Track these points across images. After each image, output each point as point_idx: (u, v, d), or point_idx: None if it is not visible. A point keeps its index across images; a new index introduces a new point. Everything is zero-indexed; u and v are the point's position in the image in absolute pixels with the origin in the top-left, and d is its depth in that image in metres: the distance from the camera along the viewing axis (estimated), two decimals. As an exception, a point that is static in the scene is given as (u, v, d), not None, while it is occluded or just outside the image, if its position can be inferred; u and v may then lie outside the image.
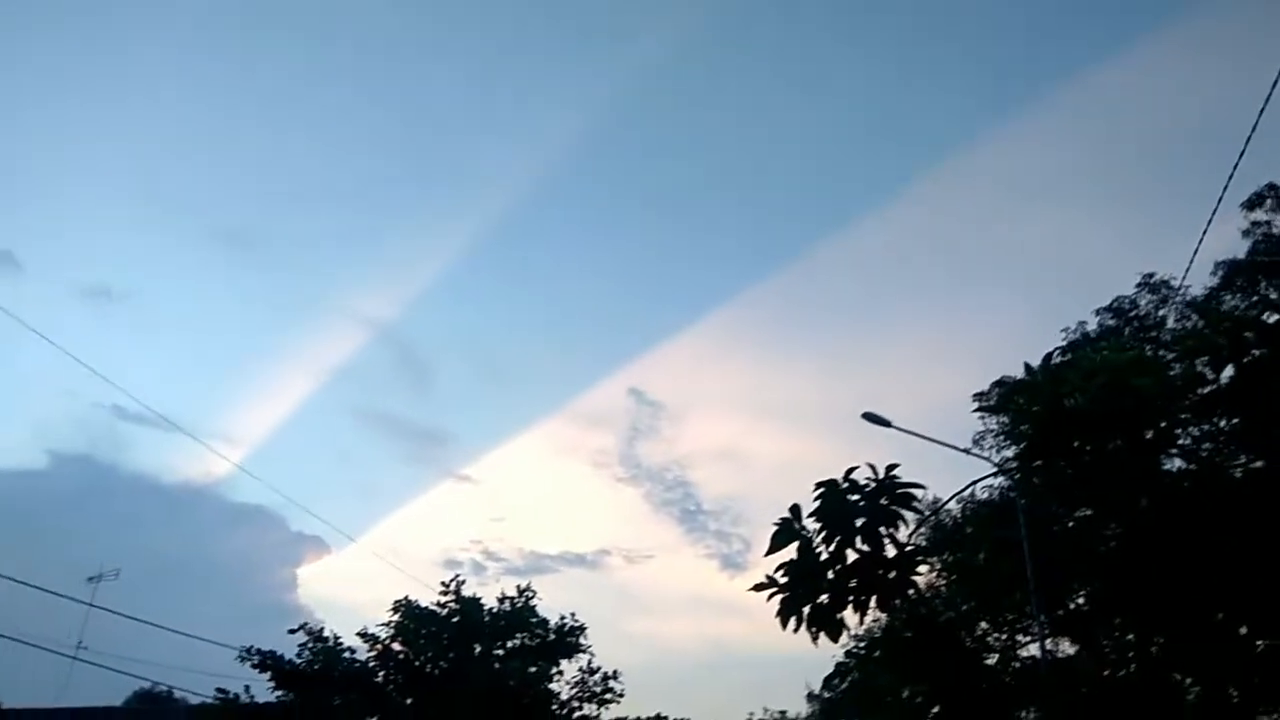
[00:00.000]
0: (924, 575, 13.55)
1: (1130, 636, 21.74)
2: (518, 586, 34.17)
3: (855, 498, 6.91)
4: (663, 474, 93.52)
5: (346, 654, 30.60)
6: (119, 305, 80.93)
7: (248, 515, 78.58)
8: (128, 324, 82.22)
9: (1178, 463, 19.42)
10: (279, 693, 29.10)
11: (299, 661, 29.59)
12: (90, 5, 77.36)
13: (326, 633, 30.75)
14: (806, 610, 7.00)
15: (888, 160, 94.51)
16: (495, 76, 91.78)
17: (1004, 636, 25.95)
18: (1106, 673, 21.55)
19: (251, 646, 28.82)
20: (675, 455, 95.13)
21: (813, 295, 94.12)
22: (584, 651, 33.54)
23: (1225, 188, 11.03)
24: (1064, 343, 24.76)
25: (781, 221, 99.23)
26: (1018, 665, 24.93)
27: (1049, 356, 17.28)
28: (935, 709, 24.17)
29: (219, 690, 28.26)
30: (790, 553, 7.11)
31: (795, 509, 6.93)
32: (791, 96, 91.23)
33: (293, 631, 30.56)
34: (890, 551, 6.90)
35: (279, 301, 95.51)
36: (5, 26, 73.87)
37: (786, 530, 7.06)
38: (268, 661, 28.77)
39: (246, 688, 28.54)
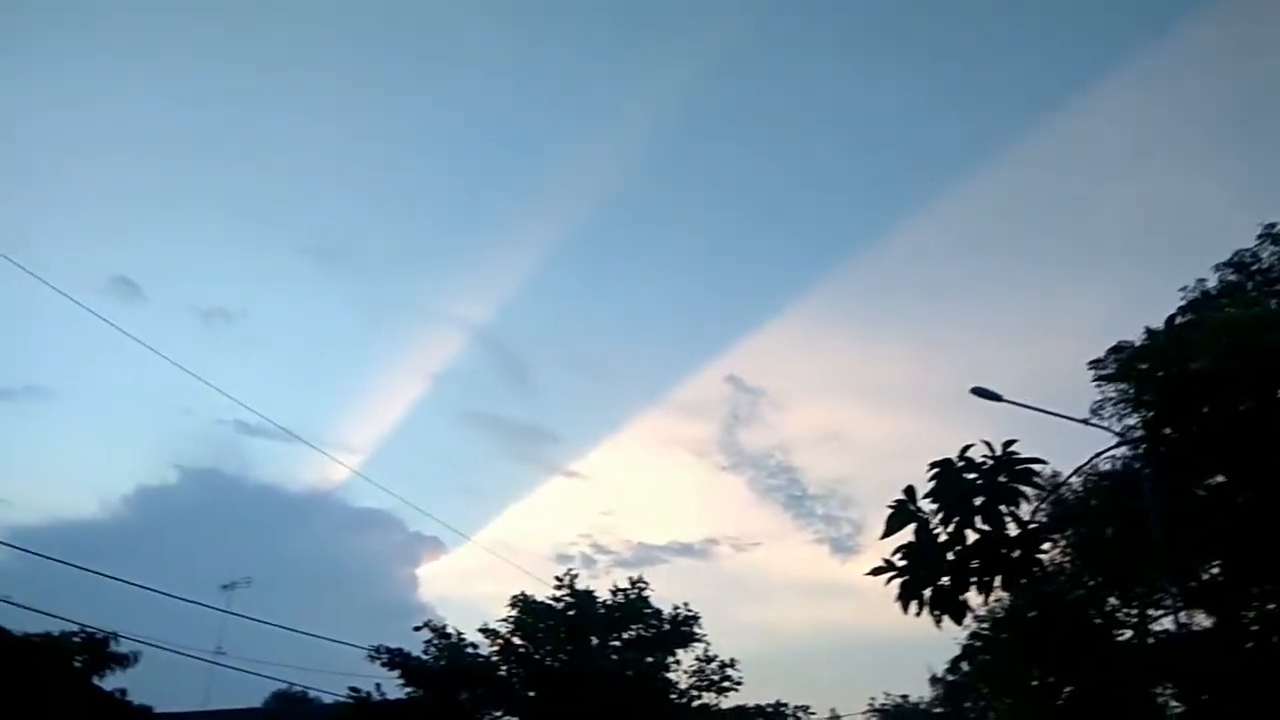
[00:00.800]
0: (1048, 553, 13.14)
1: (1271, 606, 20.73)
2: (630, 578, 34.53)
3: (972, 476, 6.70)
4: (765, 460, 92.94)
5: (470, 650, 31.37)
6: (234, 325, 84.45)
7: (368, 519, 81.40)
8: (243, 342, 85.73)
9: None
10: (408, 689, 30.01)
11: (425, 658, 30.46)
12: (170, 29, 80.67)
13: (449, 629, 31.62)
14: (927, 593, 6.83)
15: (982, 125, 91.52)
16: (570, 72, 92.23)
17: (1134, 611, 25.03)
18: (1249, 645, 20.55)
19: (380, 645, 29.83)
20: (777, 441, 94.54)
21: (910, 268, 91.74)
22: (699, 641, 33.67)
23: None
24: (1183, 302, 23.73)
25: (874, 195, 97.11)
26: (1152, 641, 24.02)
27: (1171, 319, 16.56)
28: (1067, 689, 23.47)
29: (351, 689, 29.31)
30: (906, 535, 6.95)
31: (910, 490, 6.79)
32: (877, 64, 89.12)
33: (417, 629, 31.54)
34: (1012, 530, 6.68)
35: (379, 311, 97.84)
36: (107, 64, 77.75)
37: (902, 512, 6.91)
38: (396, 659, 29.70)
39: (378, 685, 29.54)
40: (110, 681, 22.31)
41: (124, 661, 22.04)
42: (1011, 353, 77.62)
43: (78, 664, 21.77)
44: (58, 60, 74.42)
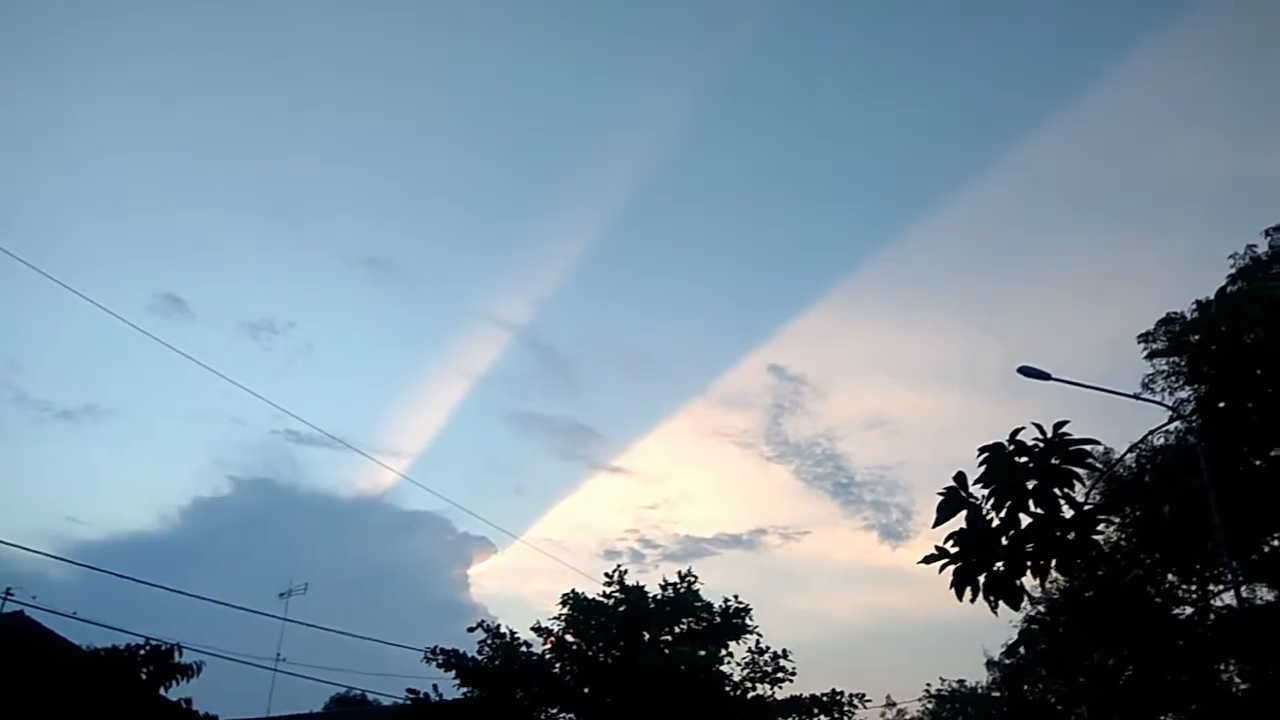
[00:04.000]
0: (1103, 533, 12.96)
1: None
2: (679, 572, 34.59)
3: (1023, 460, 6.61)
4: (811, 448, 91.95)
5: (523, 648, 31.60)
6: (281, 336, 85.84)
7: (418, 522, 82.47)
8: (291, 353, 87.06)
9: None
10: (464, 690, 30.30)
11: (480, 659, 30.73)
12: (204, 36, 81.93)
13: (503, 629, 31.89)
14: (982, 579, 6.76)
15: (1023, 96, 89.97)
16: (603, 65, 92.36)
17: (1194, 588, 24.61)
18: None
19: (435, 647, 30.14)
20: (822, 429, 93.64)
21: (952, 248, 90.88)
22: (751, 632, 33.61)
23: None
24: (1233, 269, 23.29)
25: (913, 174, 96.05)
26: (1213, 617, 23.58)
27: (1222, 290, 16.22)
28: (1128, 670, 23.15)
29: (409, 691, 29.67)
30: (958, 522, 6.87)
31: (960, 477, 6.71)
32: (914, 38, 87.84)
33: (471, 630, 31.83)
34: (1067, 512, 6.58)
35: (423, 316, 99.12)
36: (143, 73, 79.16)
37: (953, 499, 6.83)
38: (451, 660, 29.99)
39: (434, 686, 29.86)
40: (176, 692, 22.76)
41: (188, 672, 22.46)
42: (1063, 328, 76.69)
43: (144, 676, 22.23)
44: (93, 71, 76.01)
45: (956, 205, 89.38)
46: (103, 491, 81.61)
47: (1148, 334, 23.66)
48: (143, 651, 22.20)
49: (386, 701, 34.82)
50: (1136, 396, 22.19)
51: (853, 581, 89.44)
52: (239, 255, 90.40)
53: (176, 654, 22.32)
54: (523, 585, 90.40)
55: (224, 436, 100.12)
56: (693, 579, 34.01)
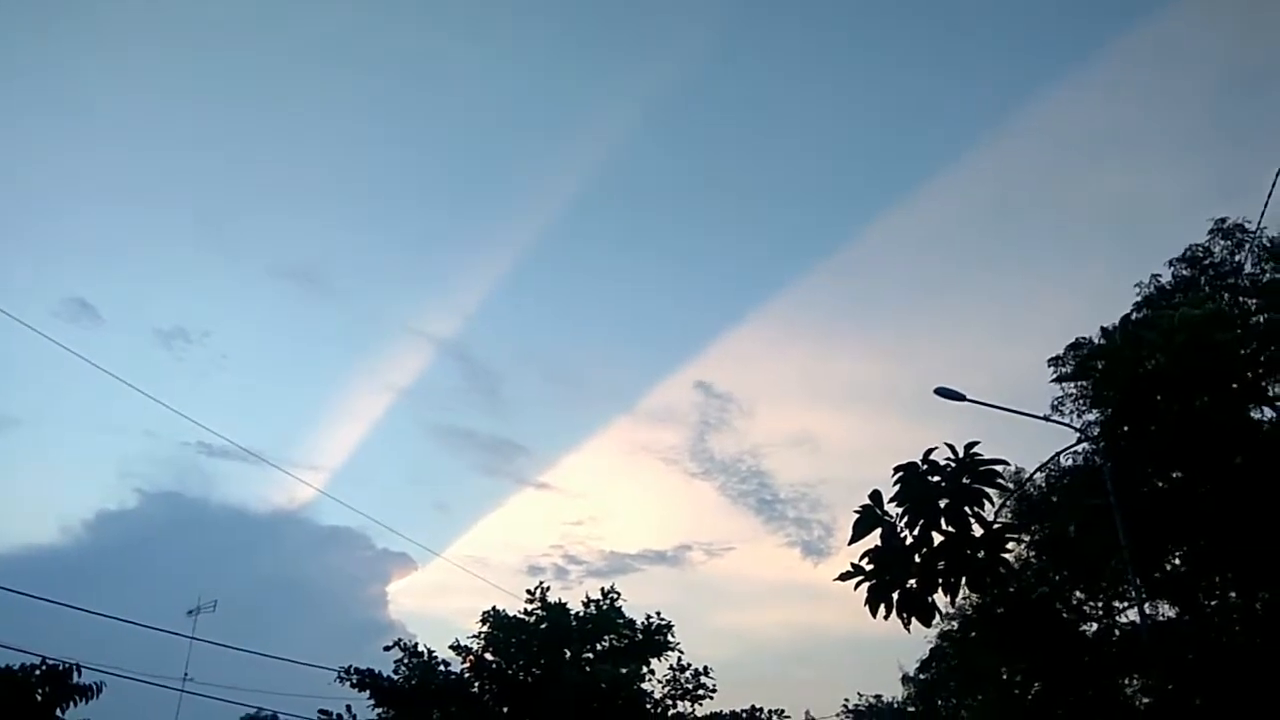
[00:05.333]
0: (1013, 550, 13.31)
1: (1232, 595, 21.08)
2: (602, 589, 34.51)
3: (936, 479, 6.77)
4: (736, 465, 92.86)
5: (441, 667, 31.11)
6: (196, 346, 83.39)
7: (335, 537, 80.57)
8: (206, 363, 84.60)
9: (1269, 413, 18.77)
10: (379, 710, 29.71)
11: (396, 678, 30.16)
12: (135, 38, 79.62)
13: (421, 648, 31.36)
14: (895, 596, 6.89)
15: (945, 130, 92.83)
16: (539, 81, 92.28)
17: (1100, 605, 25.35)
18: (1214, 635, 20.88)
19: (350, 666, 29.51)
20: (747, 446, 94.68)
21: (877, 273, 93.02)
22: (673, 649, 33.68)
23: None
24: (1139, 298, 24.18)
25: (841, 200, 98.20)
26: (1117, 634, 24.32)
27: (1126, 317, 16.84)
28: (1035, 685, 23.70)
29: (321, 711, 28.98)
30: (874, 539, 7.01)
31: (875, 495, 6.85)
32: (841, 69, 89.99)
33: (388, 648, 31.22)
34: (977, 531, 6.75)
35: (345, 328, 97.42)
36: (60, 68, 76.44)
37: (868, 517, 6.97)
38: (365, 680, 29.39)
39: (348, 707, 29.23)
40: (74, 714, 21.78)
41: (88, 693, 21.49)
42: (982, 351, 78.88)
43: (39, 697, 21.25)
44: (7, 64, 73.11)
45: (881, 233, 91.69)
46: (0, 503, 78.10)
47: (1057, 358, 24.42)
48: (38, 672, 21.21)
49: (298, 722, 33.94)
50: (1046, 418, 22.91)
51: (775, 598, 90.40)
52: (155, 258, 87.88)
53: (75, 674, 21.36)
54: (443, 603, 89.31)
55: (132, 448, 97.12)
56: (615, 595, 33.97)
